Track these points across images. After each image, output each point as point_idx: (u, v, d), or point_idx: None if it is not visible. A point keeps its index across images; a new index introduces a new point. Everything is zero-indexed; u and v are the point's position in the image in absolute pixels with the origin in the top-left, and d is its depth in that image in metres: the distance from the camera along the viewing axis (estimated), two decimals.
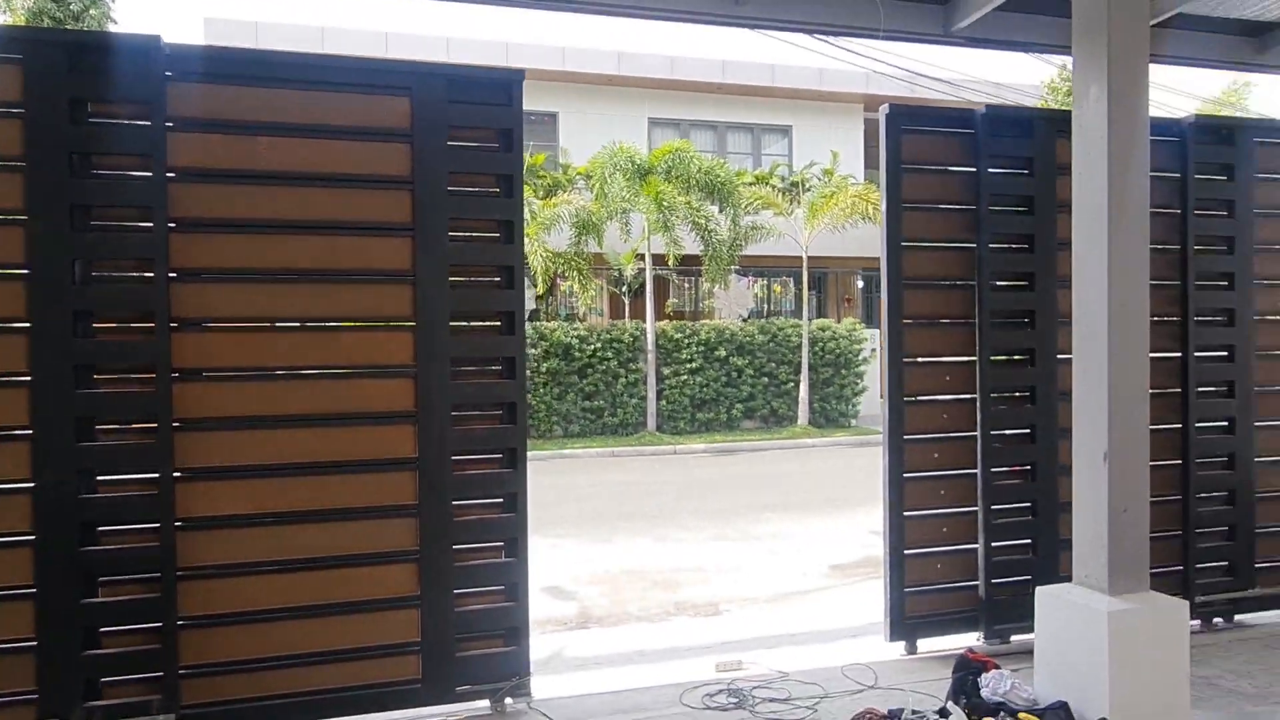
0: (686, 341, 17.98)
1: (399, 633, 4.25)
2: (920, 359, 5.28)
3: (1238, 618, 5.66)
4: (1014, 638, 5.28)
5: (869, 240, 20.60)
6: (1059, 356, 5.29)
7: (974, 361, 5.25)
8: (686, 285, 20.73)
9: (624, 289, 18.96)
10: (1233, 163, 5.56)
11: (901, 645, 5.22)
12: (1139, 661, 3.70)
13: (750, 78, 21.85)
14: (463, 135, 4.38)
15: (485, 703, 4.39)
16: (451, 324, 4.32)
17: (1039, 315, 5.26)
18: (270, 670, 4.08)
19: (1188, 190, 5.46)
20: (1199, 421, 5.51)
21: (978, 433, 5.22)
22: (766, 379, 18.52)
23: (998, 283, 5.27)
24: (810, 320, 18.88)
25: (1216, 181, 5.58)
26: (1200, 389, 5.53)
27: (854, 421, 19.29)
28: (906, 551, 5.18)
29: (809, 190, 19.21)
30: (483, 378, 4.48)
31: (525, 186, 17.02)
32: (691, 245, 18.02)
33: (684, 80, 21.62)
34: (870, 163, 22.83)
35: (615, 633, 6.21)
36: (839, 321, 19.81)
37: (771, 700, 4.46)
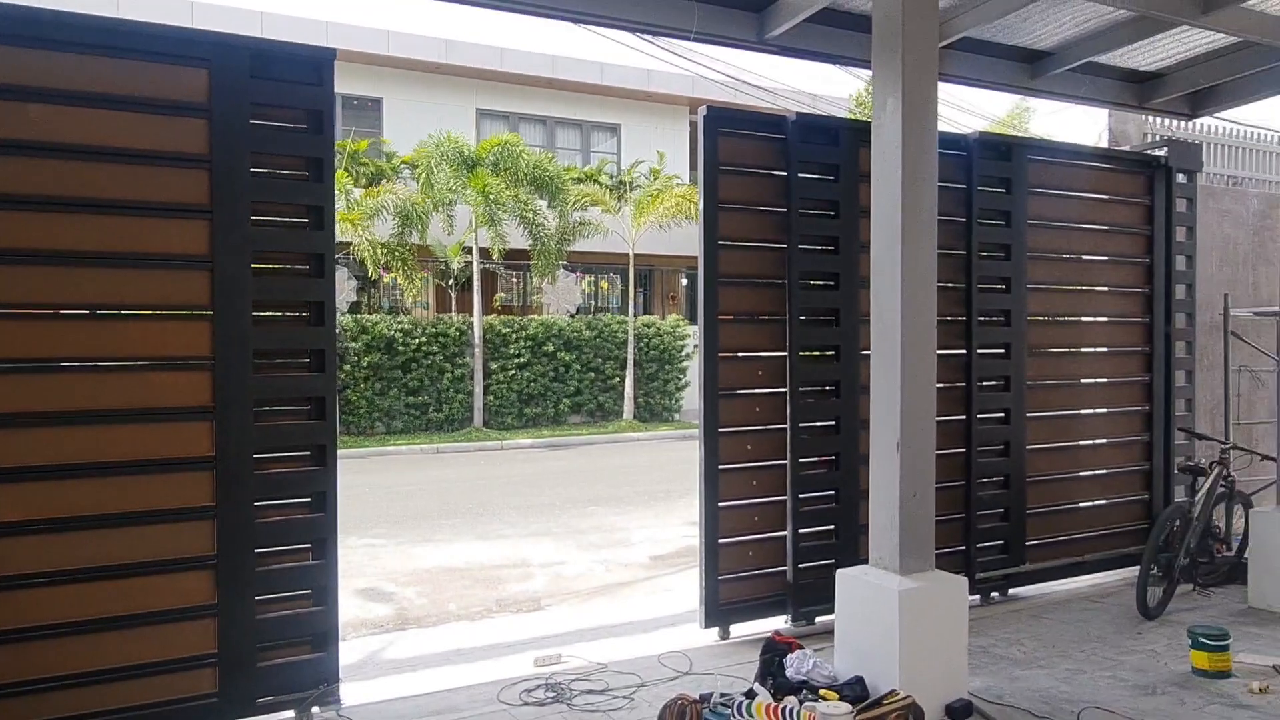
0: (514, 336, 17.84)
1: (194, 645, 3.97)
2: (734, 354, 5.47)
3: (1011, 591, 6.24)
4: (819, 619, 5.58)
5: (693, 239, 21.17)
6: (861, 353, 5.64)
7: (784, 357, 5.50)
8: (515, 280, 20.55)
9: (451, 282, 18.56)
10: (1010, 177, 6.10)
11: (716, 631, 5.40)
12: (925, 635, 3.99)
13: (580, 75, 21.92)
14: (268, 114, 4.13)
15: (290, 714, 4.17)
16: (255, 314, 4.07)
17: (843, 314, 5.58)
18: (49, 692, 3.70)
19: (972, 200, 5.94)
20: (980, 413, 6.01)
21: (787, 425, 5.48)
22: (593, 374, 18.66)
23: (806, 282, 5.54)
24: (636, 317, 19.19)
25: (996, 193, 6.10)
26: (981, 383, 6.04)
27: (677, 416, 19.78)
28: (720, 541, 5.36)
29: (636, 189, 19.51)
30: (289, 371, 4.26)
31: (345, 174, 16.37)
32: (520, 240, 17.88)
33: (514, 73, 21.40)
34: (696, 164, 23.47)
35: (434, 633, 6.07)
36: (664, 318, 20.25)
37: (589, 692, 4.50)
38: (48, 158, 3.72)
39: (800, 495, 5.49)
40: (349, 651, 5.37)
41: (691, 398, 20.51)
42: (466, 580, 7.44)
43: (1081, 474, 6.60)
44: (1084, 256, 6.60)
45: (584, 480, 12.56)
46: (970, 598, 5.49)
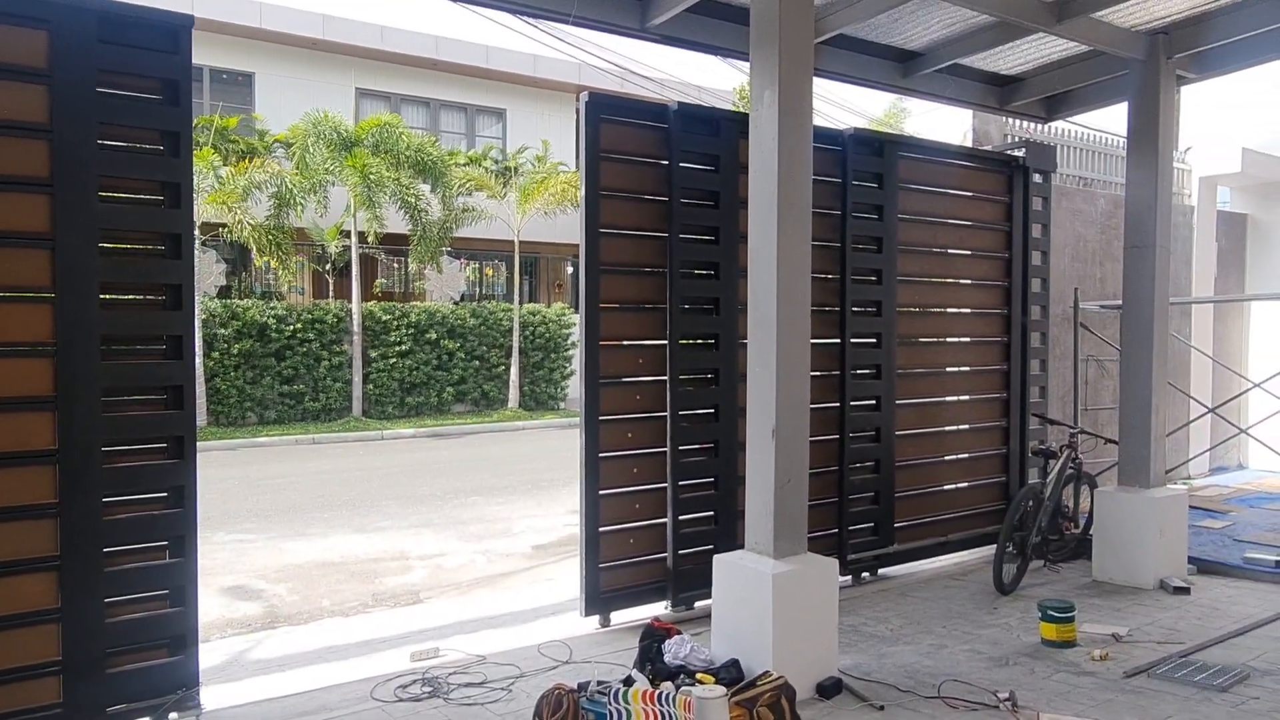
0: (396, 323, 17.38)
1: (34, 652, 3.69)
2: (616, 342, 5.47)
3: (881, 571, 6.50)
4: (698, 604, 5.66)
5: (578, 228, 21.13)
6: (740, 341, 5.74)
7: (665, 345, 5.53)
8: (396, 265, 20.01)
9: (328, 267, 17.92)
10: (882, 172, 6.32)
11: (596, 619, 5.40)
12: (797, 616, 4.10)
13: (465, 57, 21.48)
14: (118, 82, 3.86)
15: None
16: (103, 296, 3.81)
17: (722, 302, 5.66)
18: None
19: (847, 194, 6.12)
20: (852, 400, 6.21)
21: (667, 413, 5.52)
22: (478, 362, 18.39)
23: (687, 271, 5.58)
24: (521, 305, 19.00)
25: (869, 188, 6.31)
26: (854, 371, 6.24)
27: (563, 404, 19.72)
28: (601, 529, 5.36)
29: (522, 175, 19.29)
30: (143, 358, 4.00)
31: (213, 151, 15.55)
32: (401, 224, 17.40)
33: (395, 53, 20.79)
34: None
35: (305, 631, 5.85)
36: (549, 306, 20.14)
37: (468, 685, 4.43)
38: None
39: (680, 482, 5.54)
40: (212, 653, 5.12)
41: (577, 386, 20.44)
42: (341, 575, 7.21)
43: (946, 458, 6.93)
44: (949, 251, 6.90)
45: (467, 470, 12.37)
46: (842, 579, 5.70)
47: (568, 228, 20.91)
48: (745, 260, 5.68)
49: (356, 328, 16.70)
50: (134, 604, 3.94)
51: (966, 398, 7.05)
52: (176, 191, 3.98)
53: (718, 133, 5.64)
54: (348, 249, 17.15)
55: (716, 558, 4.42)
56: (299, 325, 16.36)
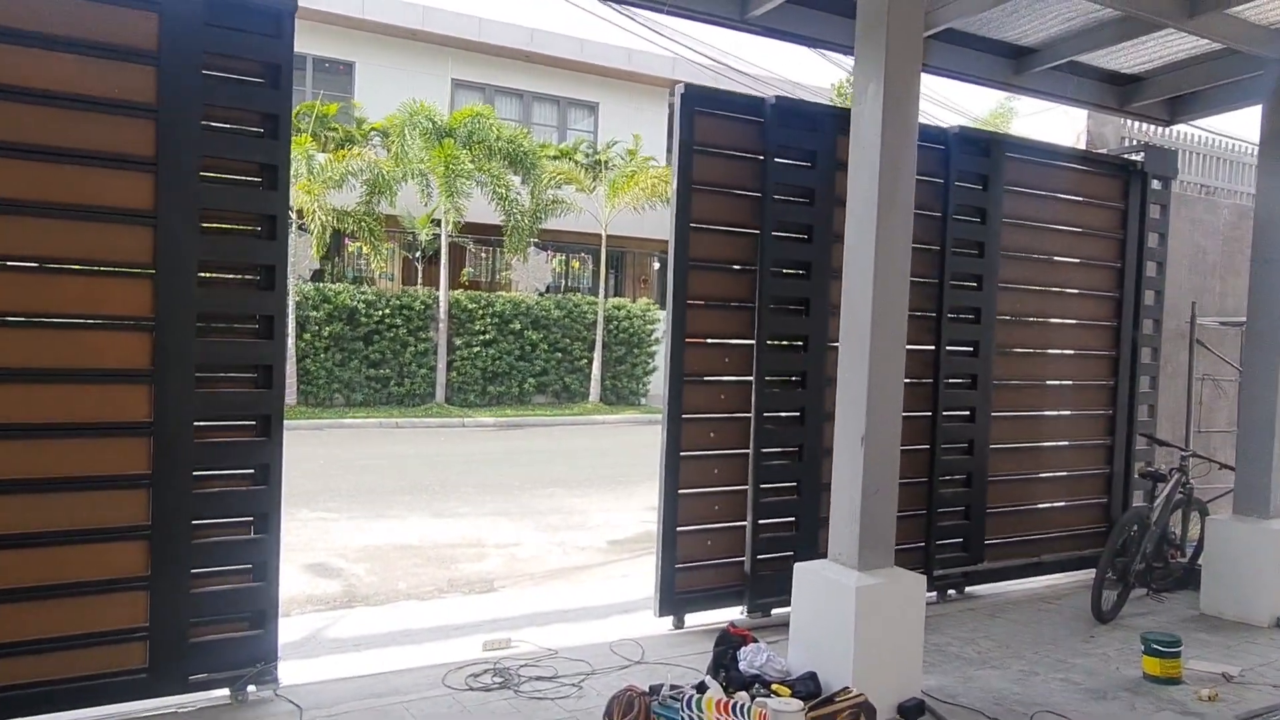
0: (481, 312, 17.60)
1: (124, 618, 3.79)
2: (702, 340, 5.35)
3: (968, 590, 6.22)
4: (774, 611, 5.51)
5: (667, 223, 21.03)
6: (830, 344, 5.56)
7: (752, 345, 5.39)
8: (484, 255, 20.28)
9: (418, 255, 18.26)
10: (988, 173, 6.03)
11: (670, 620, 5.30)
12: (880, 632, 3.93)
13: (559, 49, 21.61)
14: (222, 65, 3.93)
15: (225, 691, 4.01)
16: (201, 275, 3.88)
17: (813, 303, 5.48)
18: None
19: (949, 195, 5.86)
20: (945, 410, 5.96)
21: (752, 414, 5.38)
22: (560, 354, 18.49)
23: (778, 270, 5.42)
24: (607, 298, 19.03)
25: (973, 190, 6.03)
26: (948, 380, 5.98)
27: (643, 400, 19.69)
28: (679, 528, 5.26)
29: (611, 169, 19.30)
30: (236, 336, 4.07)
31: (311, 139, 15.99)
32: (489, 214, 17.60)
33: (491, 44, 21.04)
34: (671, 146, 23.26)
35: (381, 612, 5.92)
36: (634, 301, 20.11)
37: (538, 679, 4.38)
38: None
39: (762, 485, 5.40)
40: (291, 629, 5.20)
41: (658, 383, 20.40)
42: (419, 558, 7.29)
43: (1043, 475, 6.59)
44: (1056, 257, 6.56)
45: (546, 461, 12.43)
46: (928, 595, 5.46)
47: (655, 223, 20.87)
48: (839, 261, 5.54)
49: (443, 315, 16.98)
50: (218, 576, 4.02)
51: (1068, 413, 6.70)
52: (274, 174, 4.03)
53: (815, 128, 5.46)
54: (438, 237, 17.43)
55: (797, 566, 4.26)
56: (387, 311, 16.71)
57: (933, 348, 5.94)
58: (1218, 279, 8.45)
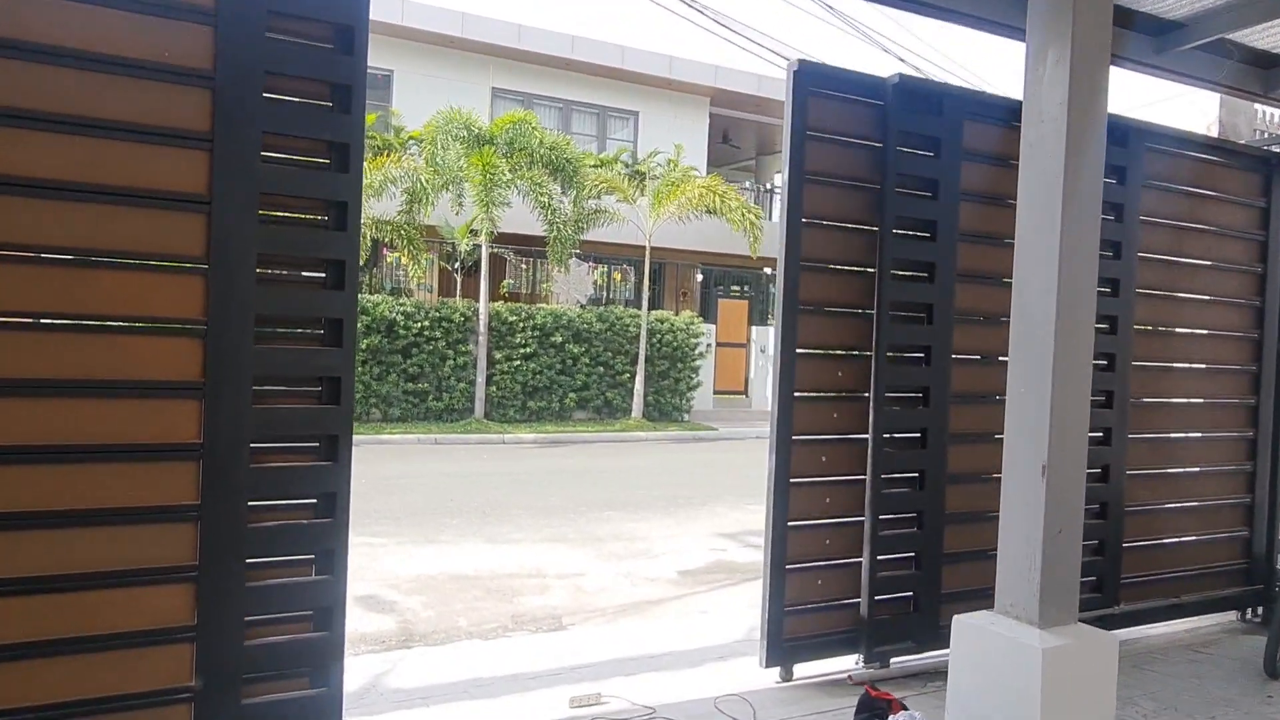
0: (521, 325, 17.06)
1: (162, 676, 3.19)
2: (812, 350, 4.72)
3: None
4: (894, 661, 4.85)
5: (711, 234, 20.45)
6: (953, 356, 4.92)
7: (869, 356, 4.74)
8: (524, 266, 19.77)
9: (457, 265, 17.76)
10: (1126, 165, 5.36)
11: (777, 671, 4.65)
12: (1069, 703, 3.25)
13: (599, 57, 21.14)
14: (287, 27, 3.36)
15: None
16: (259, 270, 3.30)
17: (937, 309, 4.83)
18: None
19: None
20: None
21: (869, 435, 4.72)
22: (602, 369, 17.89)
23: (898, 272, 4.78)
24: (649, 311, 18.42)
25: (1109, 184, 5.34)
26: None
27: (687, 417, 19.04)
28: (788, 566, 4.61)
29: (654, 179, 18.73)
30: (299, 342, 3.49)
31: None
32: (529, 224, 17.08)
33: (531, 51, 20.61)
34: (714, 158, 22.69)
35: (444, 653, 5.29)
36: (677, 314, 19.49)
37: None
38: (10, 56, 2.93)
39: (880, 517, 4.73)
40: (349, 675, 4.59)
41: (702, 399, 19.76)
42: (477, 590, 6.67)
43: (1181, 505, 5.86)
44: (1191, 261, 5.86)
45: (595, 481, 11.80)
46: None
47: (698, 235, 20.32)
48: (966, 262, 4.91)
49: (483, 328, 16.45)
50: (275, 624, 3.42)
51: (1204, 435, 5.97)
52: (345, 154, 3.45)
53: (940, 111, 4.82)
54: (477, 248, 16.93)
55: (957, 620, 3.59)
56: (426, 323, 16.21)
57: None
58: None
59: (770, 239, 21.30)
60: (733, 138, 26.59)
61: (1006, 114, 5.00)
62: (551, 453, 14.70)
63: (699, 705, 4.25)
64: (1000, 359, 5.21)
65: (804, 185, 4.56)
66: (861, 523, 4.75)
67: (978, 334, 5.09)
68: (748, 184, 24.43)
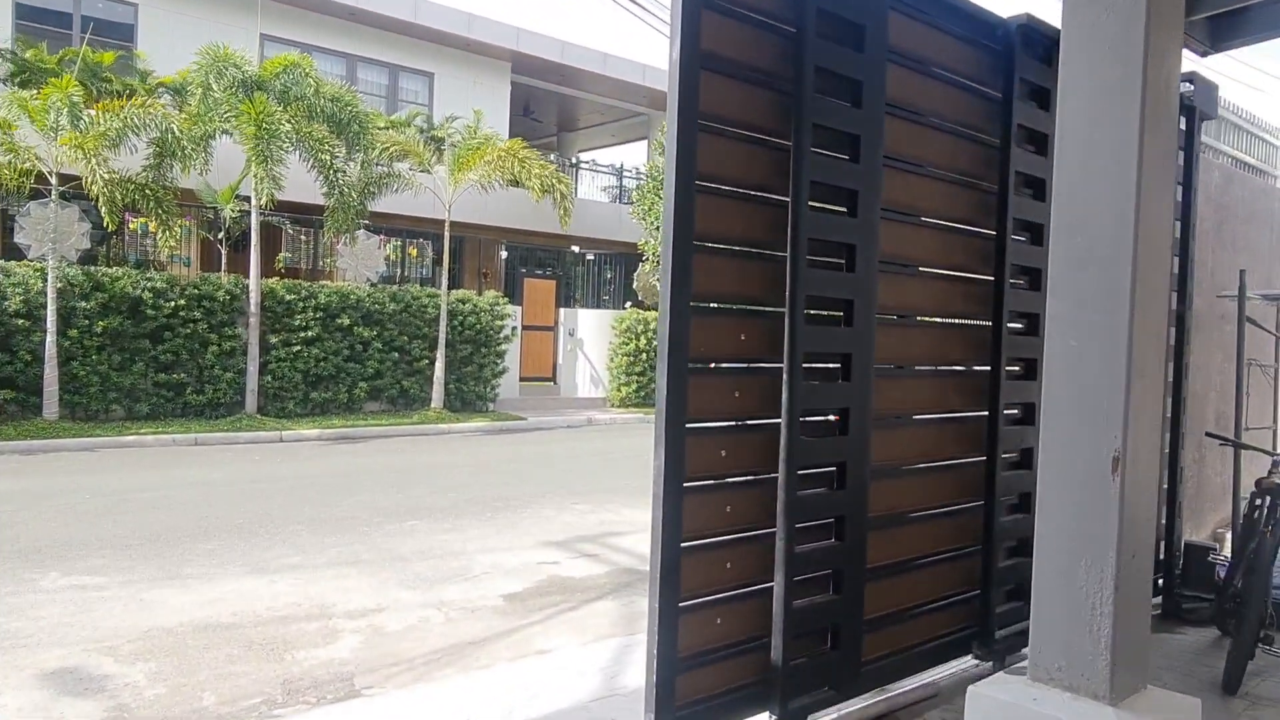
0: (301, 305, 14.78)
1: None
2: (709, 306, 3.45)
3: None
4: (811, 718, 3.69)
5: (515, 208, 18.92)
6: (880, 316, 3.82)
7: (782, 315, 3.53)
8: (304, 238, 17.33)
9: (221, 235, 15.16)
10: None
11: None
12: None
13: (389, 8, 18.94)
14: None
15: None
16: None
17: (859, 254, 3.70)
18: None
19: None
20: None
21: (782, 419, 3.52)
22: (397, 354, 15.93)
23: (815, 204, 3.60)
24: (449, 291, 16.62)
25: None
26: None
27: (492, 406, 17.44)
28: (683, 603, 3.32)
29: (453, 146, 16.91)
30: None
31: (76, 83, 12.74)
32: (306, 189, 14.81)
33: None
34: (516, 132, 21.06)
35: None
36: (480, 294, 17.80)
37: None
38: None
39: (796, 526, 3.54)
40: None
41: (509, 386, 18.22)
42: (234, 645, 4.91)
43: None
44: None
45: (394, 484, 10.04)
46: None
47: (501, 209, 18.74)
48: (894, 190, 3.84)
49: (254, 308, 14.06)
50: None
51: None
52: None
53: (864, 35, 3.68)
54: (246, 215, 14.47)
55: (974, 692, 2.41)
56: (182, 302, 13.62)
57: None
58: (1209, 252, 7.43)
59: (579, 216, 20.10)
60: (535, 110, 25.09)
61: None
62: (340, 451, 12.69)
63: None
64: (920, 319, 4.24)
65: (699, 75, 3.26)
66: (772, 535, 3.54)
67: (900, 287, 4.03)
68: (553, 157, 23.00)
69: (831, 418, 3.77)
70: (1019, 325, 4.48)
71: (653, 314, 19.84)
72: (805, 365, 3.54)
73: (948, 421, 4.34)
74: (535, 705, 4.07)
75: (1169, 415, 5.50)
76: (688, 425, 3.32)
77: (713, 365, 3.47)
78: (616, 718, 3.87)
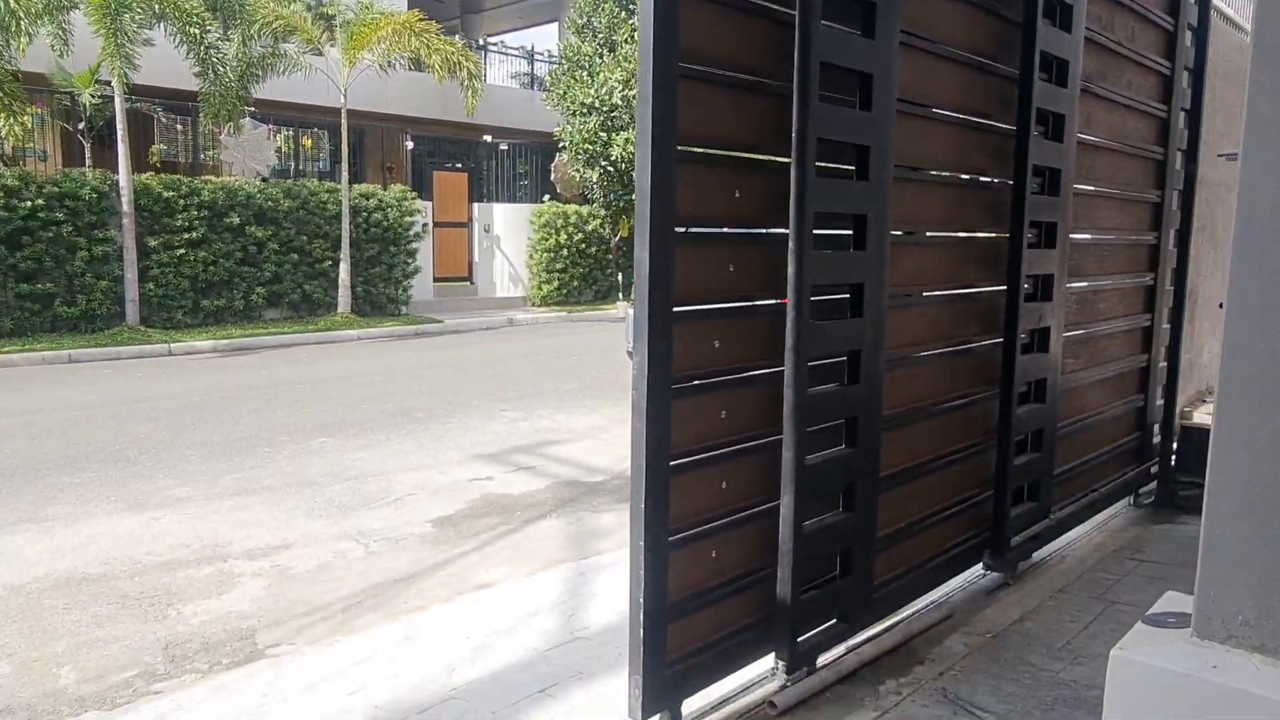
0: (182, 203, 13.24)
1: None
2: (699, 152, 2.62)
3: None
4: (821, 659, 3.07)
5: (419, 96, 17.41)
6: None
7: (786, 165, 2.72)
8: (181, 128, 15.53)
9: (83, 125, 13.35)
10: None
11: (657, 718, 2.68)
12: None
13: None
14: None
15: None
16: None
17: (873, 157, 2.91)
18: None
19: None
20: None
21: (790, 297, 2.75)
22: (296, 255, 14.56)
23: (826, 93, 2.76)
24: (351, 185, 15.19)
25: None
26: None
27: (405, 309, 16.30)
28: (672, 534, 2.60)
29: (344, 24, 15.17)
30: None
31: None
32: (181, 74, 13.09)
33: None
34: (415, 8, 19.19)
35: None
36: (385, 189, 16.39)
37: None
38: None
39: (806, 430, 2.83)
40: None
41: (422, 288, 17.06)
42: (104, 602, 4.03)
43: (1097, 373, 4.60)
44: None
45: (299, 397, 9.03)
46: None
47: (404, 96, 17.22)
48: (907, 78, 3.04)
49: (127, 207, 12.49)
50: None
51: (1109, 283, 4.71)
52: None
53: None
54: (109, 102, 12.72)
55: (1117, 656, 1.71)
56: (40, 201, 11.96)
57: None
58: None
59: (490, 104, 18.60)
60: None
61: None
62: (237, 363, 11.51)
63: None
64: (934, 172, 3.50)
65: None
66: (776, 445, 2.83)
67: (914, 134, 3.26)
68: (457, 38, 21.18)
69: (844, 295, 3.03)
70: (1037, 183, 3.79)
71: (572, 207, 18.76)
72: (816, 231, 2.76)
73: (962, 298, 3.66)
74: (482, 660, 3.35)
75: (1172, 284, 4.99)
76: (675, 310, 2.53)
77: (704, 230, 2.66)
78: (584, 671, 3.19)
